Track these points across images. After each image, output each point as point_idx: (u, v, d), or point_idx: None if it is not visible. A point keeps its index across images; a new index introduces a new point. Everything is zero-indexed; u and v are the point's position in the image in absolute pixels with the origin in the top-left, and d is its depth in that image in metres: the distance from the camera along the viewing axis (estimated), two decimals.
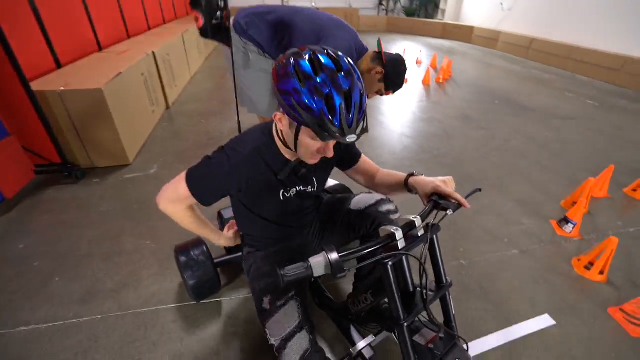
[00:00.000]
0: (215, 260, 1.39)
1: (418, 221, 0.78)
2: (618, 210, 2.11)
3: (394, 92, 1.60)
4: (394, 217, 1.09)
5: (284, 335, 0.87)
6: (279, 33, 1.56)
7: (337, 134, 0.69)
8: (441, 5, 9.66)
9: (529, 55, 6.50)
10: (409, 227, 0.78)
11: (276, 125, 0.89)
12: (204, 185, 0.91)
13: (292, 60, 0.71)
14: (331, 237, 1.22)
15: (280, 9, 1.63)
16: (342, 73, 0.70)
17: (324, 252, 0.65)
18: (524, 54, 6.61)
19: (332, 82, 0.69)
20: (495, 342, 1.29)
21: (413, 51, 6.92)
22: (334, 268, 0.63)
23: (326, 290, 1.32)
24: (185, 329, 1.32)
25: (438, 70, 5.32)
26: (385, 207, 1.10)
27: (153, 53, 3.14)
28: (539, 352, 1.27)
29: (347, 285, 1.51)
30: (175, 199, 0.98)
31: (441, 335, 0.81)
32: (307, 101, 0.68)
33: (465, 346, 0.84)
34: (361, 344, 1.03)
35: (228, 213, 1.59)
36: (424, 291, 0.76)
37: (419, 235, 0.79)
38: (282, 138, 0.87)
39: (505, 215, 2.01)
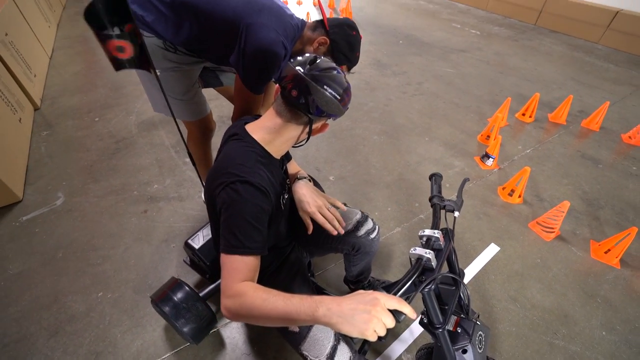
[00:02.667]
0: (202, 294, 1.27)
1: (437, 233, 0.83)
2: (516, 136, 2.59)
3: (349, 70, 1.21)
4: (372, 235, 1.11)
5: (327, 352, 0.87)
6: (183, 19, 1.11)
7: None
8: None
9: None
10: (430, 242, 0.83)
11: (249, 126, 0.89)
12: (251, 230, 0.76)
13: None
14: (316, 250, 1.22)
15: None
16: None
17: None
18: None
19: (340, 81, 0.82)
20: (466, 279, 1.57)
21: None
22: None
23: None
24: None
25: (339, 12, 5.18)
26: (364, 229, 1.10)
27: None
28: (495, 276, 1.60)
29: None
30: (241, 291, 0.69)
31: (462, 315, 0.94)
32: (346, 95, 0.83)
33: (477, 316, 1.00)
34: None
35: (197, 242, 1.41)
36: (463, 303, 0.85)
37: (442, 246, 0.84)
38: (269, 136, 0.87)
39: (441, 161, 2.28)
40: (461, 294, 0.91)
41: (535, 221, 1.85)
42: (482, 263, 1.65)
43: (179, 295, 1.18)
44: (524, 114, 2.75)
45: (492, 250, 1.72)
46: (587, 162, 2.35)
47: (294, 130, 0.85)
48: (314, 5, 5.55)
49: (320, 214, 0.96)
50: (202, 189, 1.93)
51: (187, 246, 1.48)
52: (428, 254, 0.77)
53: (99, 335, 1.34)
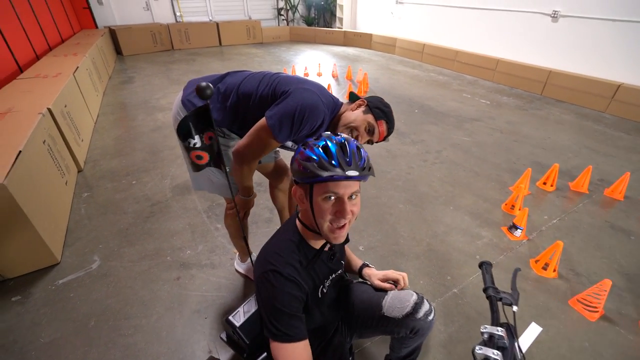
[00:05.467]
0: None
1: (500, 331, 0.83)
2: (540, 205, 2.61)
3: (388, 130, 1.26)
4: (430, 317, 1.09)
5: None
6: (234, 105, 1.24)
7: (338, 170, 0.80)
8: (337, 14, 10.21)
9: (423, 59, 7.41)
10: (494, 340, 0.82)
11: (298, 216, 0.97)
12: (287, 318, 0.86)
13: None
14: (366, 331, 1.21)
15: (234, 76, 1.30)
16: (338, 136, 0.89)
17: None
18: (418, 58, 7.51)
19: (328, 138, 0.87)
20: None
21: (325, 62, 7.18)
22: None
23: None
24: None
25: (356, 84, 5.65)
26: (422, 311, 1.07)
27: (49, 110, 2.54)
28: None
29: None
30: None
31: None
32: (307, 153, 0.84)
33: None
34: None
35: (238, 319, 1.40)
36: None
37: (506, 344, 0.83)
38: (306, 225, 0.94)
39: (468, 231, 2.29)
40: None
41: (576, 298, 1.78)
42: (526, 345, 1.56)
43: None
44: (545, 183, 2.80)
45: (534, 330, 1.64)
46: (618, 234, 2.32)
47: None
48: (333, 77, 6.08)
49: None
50: (235, 257, 1.96)
51: (228, 323, 1.46)
52: (496, 355, 0.76)
53: None
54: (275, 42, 9.76)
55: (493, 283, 0.98)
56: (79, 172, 2.90)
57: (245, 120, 1.26)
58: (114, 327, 1.61)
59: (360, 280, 1.25)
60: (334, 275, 1.08)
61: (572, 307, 1.76)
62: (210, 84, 0.84)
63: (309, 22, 10.82)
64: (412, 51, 7.62)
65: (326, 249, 1.00)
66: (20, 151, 1.86)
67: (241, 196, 1.40)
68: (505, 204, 2.54)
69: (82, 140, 3.20)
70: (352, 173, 0.81)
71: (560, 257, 1.93)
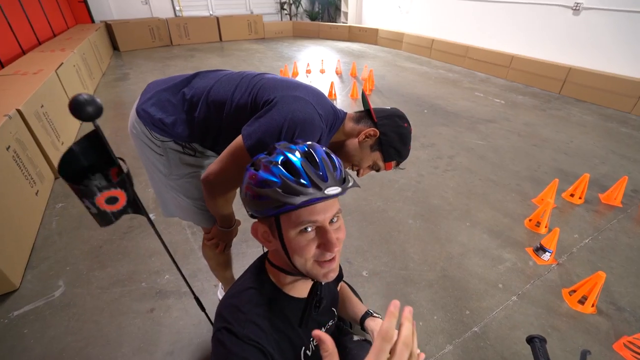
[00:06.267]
0: None
1: None
2: (568, 221, 2.30)
3: (397, 166, 1.05)
4: None
5: None
6: (202, 111, 0.95)
7: (311, 191, 0.58)
8: (342, 8, 9.86)
9: (431, 55, 7.06)
10: None
11: (267, 258, 0.73)
12: None
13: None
14: None
15: (204, 77, 1.00)
16: (298, 145, 0.66)
17: None
18: (427, 54, 7.16)
19: (286, 149, 0.63)
20: None
21: (328, 58, 6.87)
22: None
23: None
24: None
25: (361, 81, 5.34)
26: None
27: (18, 111, 2.28)
28: None
29: None
30: None
31: None
32: (264, 177, 0.60)
33: None
34: None
35: None
36: None
37: None
38: (280, 267, 0.69)
39: (488, 253, 1.99)
40: None
41: (622, 342, 1.49)
42: None
43: None
44: (572, 195, 2.49)
45: None
46: None
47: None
48: (337, 74, 5.77)
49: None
50: (219, 286, 1.70)
51: None
52: None
53: None
54: (277, 37, 9.45)
55: None
56: (56, 178, 2.65)
57: (220, 135, 0.98)
58: None
59: (358, 338, 0.96)
60: (323, 329, 0.80)
61: (618, 354, 1.47)
62: (94, 98, 0.55)
63: (313, 16, 10.48)
64: (420, 47, 7.27)
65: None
66: None
67: (219, 227, 1.13)
68: (530, 220, 2.23)
69: (63, 144, 2.95)
70: (333, 190, 0.60)
71: (600, 290, 1.63)
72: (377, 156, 0.99)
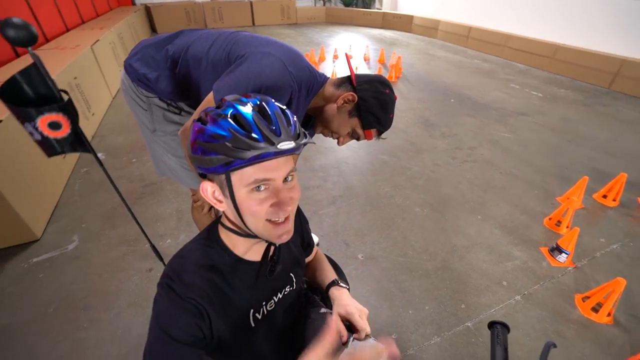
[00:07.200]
0: None
1: None
2: (596, 223, 2.10)
3: (379, 136, 1.01)
4: None
5: None
6: (185, 69, 0.97)
7: (263, 145, 0.54)
8: None
9: (468, 44, 6.66)
10: None
11: (220, 220, 0.70)
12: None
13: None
14: None
15: (186, 35, 1.01)
16: (250, 98, 0.61)
17: None
18: (463, 43, 6.76)
19: (237, 101, 0.59)
20: None
21: (358, 44, 6.71)
22: None
23: None
24: None
25: (388, 67, 5.17)
26: None
27: None
28: None
29: None
30: None
31: None
32: (213, 130, 0.55)
33: None
34: None
35: None
36: None
37: None
38: (233, 229, 0.66)
39: (496, 249, 1.87)
40: None
41: (639, 358, 1.34)
42: None
43: None
44: (605, 196, 2.26)
45: None
46: None
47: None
48: (364, 60, 5.62)
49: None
50: None
51: None
52: None
53: None
54: (309, 23, 9.36)
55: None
56: None
57: (200, 92, 0.98)
58: (70, 318, 1.46)
59: (325, 310, 0.93)
60: (279, 295, 0.78)
61: None
62: (27, 24, 0.54)
63: (347, 2, 10.24)
64: (457, 35, 6.87)
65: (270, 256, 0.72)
66: (0, 120, 1.75)
67: None
68: (550, 219, 2.06)
69: (93, 115, 3.14)
70: (286, 145, 0.56)
71: (619, 298, 1.48)
72: (355, 123, 0.96)
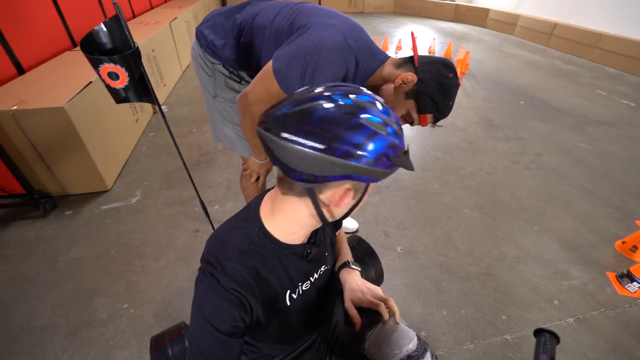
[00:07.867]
0: None
1: None
2: None
3: (435, 123, 0.95)
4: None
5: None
6: (249, 39, 1.00)
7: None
8: None
9: (550, 43, 5.99)
10: None
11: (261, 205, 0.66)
12: (214, 347, 0.60)
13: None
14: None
15: (254, 5, 1.04)
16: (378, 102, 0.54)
17: None
18: (544, 41, 6.09)
19: (376, 105, 0.52)
20: None
21: (424, 37, 6.39)
22: None
23: None
24: None
25: (454, 62, 4.86)
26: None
27: None
28: None
29: None
30: None
31: None
32: (394, 140, 0.51)
33: None
34: None
35: None
36: None
37: None
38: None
39: (552, 264, 1.70)
40: None
41: None
42: None
43: (176, 350, 1.01)
44: None
45: None
46: None
47: (294, 205, 0.59)
48: (429, 54, 5.35)
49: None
50: None
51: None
52: None
53: (104, 352, 1.27)
54: (376, 12, 9.13)
55: None
56: (154, 113, 3.11)
57: (260, 62, 1.01)
58: (127, 262, 1.64)
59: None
60: (315, 276, 0.77)
61: None
62: None
63: None
64: (537, 32, 6.21)
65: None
66: (90, 82, 1.99)
67: (253, 158, 1.19)
68: (623, 242, 1.81)
69: (165, 85, 3.42)
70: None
71: None
72: (411, 105, 0.91)
